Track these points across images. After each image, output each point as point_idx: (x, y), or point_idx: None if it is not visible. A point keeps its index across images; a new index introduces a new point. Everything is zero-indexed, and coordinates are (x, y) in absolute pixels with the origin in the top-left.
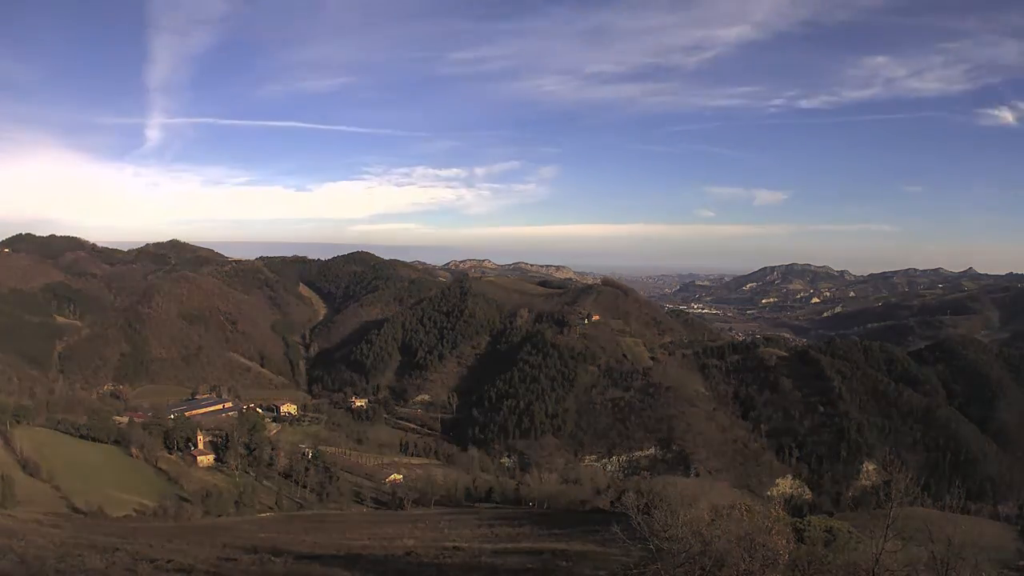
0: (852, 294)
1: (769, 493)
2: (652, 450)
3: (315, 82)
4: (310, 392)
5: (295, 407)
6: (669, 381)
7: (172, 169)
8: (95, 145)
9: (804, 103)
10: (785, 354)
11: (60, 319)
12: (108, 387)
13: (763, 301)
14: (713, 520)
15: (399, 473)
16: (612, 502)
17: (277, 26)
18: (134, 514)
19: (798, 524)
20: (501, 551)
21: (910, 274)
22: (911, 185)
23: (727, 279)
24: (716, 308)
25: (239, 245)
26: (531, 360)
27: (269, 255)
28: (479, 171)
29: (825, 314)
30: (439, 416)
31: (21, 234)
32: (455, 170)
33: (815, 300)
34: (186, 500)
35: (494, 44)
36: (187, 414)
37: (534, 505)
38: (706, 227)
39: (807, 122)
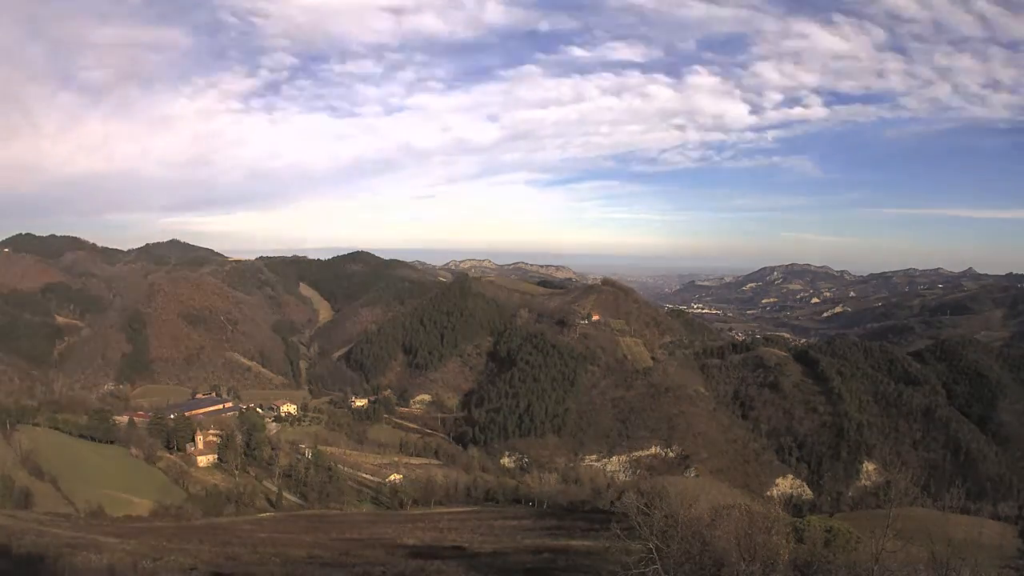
0: (852, 294)
1: (769, 493)
2: (652, 450)
3: None
4: (310, 392)
5: (295, 407)
6: (669, 381)
7: None
8: None
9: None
10: (785, 354)
11: (60, 319)
12: (108, 387)
13: (763, 301)
14: (713, 520)
15: (399, 473)
16: (612, 502)
17: None
18: (134, 514)
19: (798, 524)
20: (501, 551)
21: (910, 274)
22: (912, 184)
23: (727, 279)
24: (716, 308)
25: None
26: (531, 360)
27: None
28: None
29: (825, 314)
30: (439, 416)
31: (21, 234)
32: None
33: (815, 300)
34: (186, 500)
35: None
36: (187, 414)
37: (534, 505)
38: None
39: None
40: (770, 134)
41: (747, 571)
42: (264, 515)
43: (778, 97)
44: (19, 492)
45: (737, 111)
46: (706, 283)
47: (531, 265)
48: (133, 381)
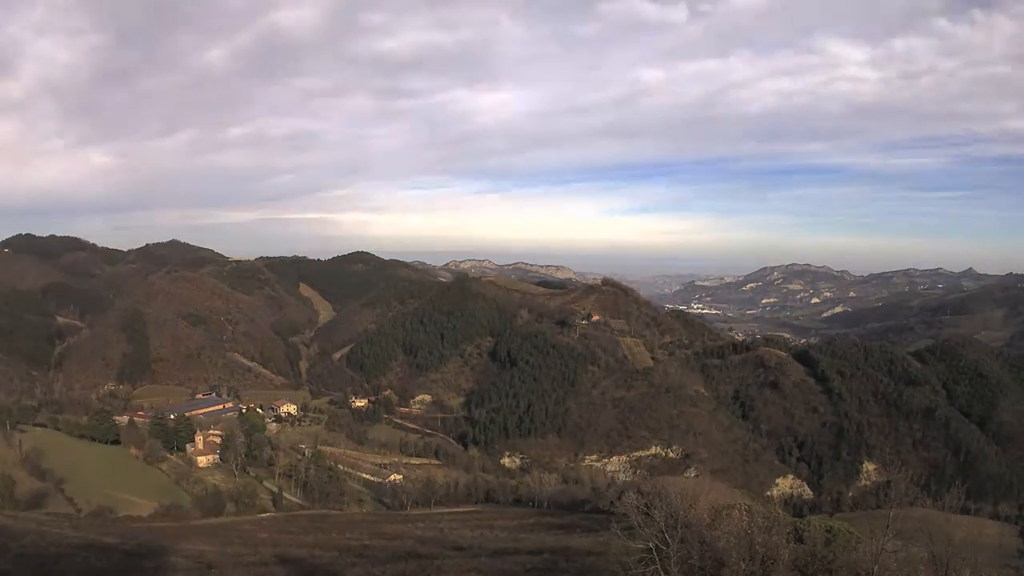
0: (852, 294)
1: (769, 493)
2: (653, 450)
3: None
4: (310, 392)
5: (295, 407)
6: (670, 381)
7: None
8: None
9: None
10: (785, 354)
11: (60, 319)
12: (108, 387)
13: (763, 301)
14: (713, 520)
15: (399, 473)
16: (612, 502)
17: None
18: (135, 514)
19: (798, 524)
20: (501, 551)
21: (910, 274)
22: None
23: (728, 279)
24: (716, 308)
25: None
26: (532, 360)
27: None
28: None
29: (825, 314)
30: (440, 416)
31: (21, 234)
32: None
33: (815, 300)
34: (187, 500)
35: None
36: (187, 414)
37: (535, 505)
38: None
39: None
40: None
41: (747, 571)
42: (264, 515)
43: None
44: (20, 492)
45: None
46: (706, 283)
47: (531, 265)
48: (133, 381)
